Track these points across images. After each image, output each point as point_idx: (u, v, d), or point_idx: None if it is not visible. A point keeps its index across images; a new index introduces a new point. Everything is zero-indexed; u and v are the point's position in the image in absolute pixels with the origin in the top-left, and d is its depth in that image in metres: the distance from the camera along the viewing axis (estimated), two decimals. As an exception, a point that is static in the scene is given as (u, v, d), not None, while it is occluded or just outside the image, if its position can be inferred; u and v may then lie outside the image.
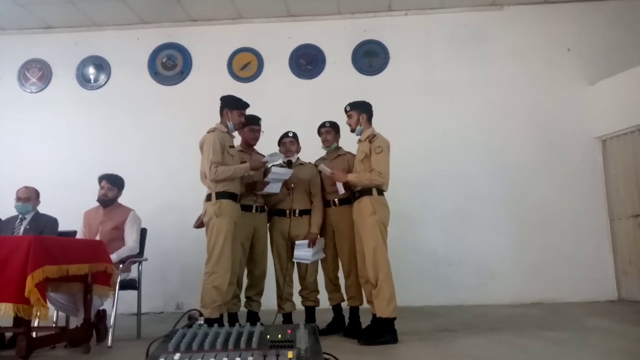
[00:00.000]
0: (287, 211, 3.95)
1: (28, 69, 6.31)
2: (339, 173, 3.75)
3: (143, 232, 4.24)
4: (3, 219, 4.22)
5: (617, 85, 5.45)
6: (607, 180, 5.61)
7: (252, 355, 1.86)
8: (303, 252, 3.86)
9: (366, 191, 3.63)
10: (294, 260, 3.94)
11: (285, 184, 3.91)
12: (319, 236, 3.92)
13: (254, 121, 4.03)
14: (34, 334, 3.14)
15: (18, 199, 4.08)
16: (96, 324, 3.72)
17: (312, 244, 3.85)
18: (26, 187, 4.16)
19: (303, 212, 3.96)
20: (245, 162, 3.77)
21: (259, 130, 4.07)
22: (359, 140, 3.82)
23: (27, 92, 6.27)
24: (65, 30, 6.32)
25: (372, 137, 3.69)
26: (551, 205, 5.60)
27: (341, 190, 3.78)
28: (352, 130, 3.85)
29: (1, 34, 6.35)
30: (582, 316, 4.43)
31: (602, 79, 5.65)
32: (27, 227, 4.04)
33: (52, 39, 6.33)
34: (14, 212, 4.14)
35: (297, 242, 3.88)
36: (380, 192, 3.66)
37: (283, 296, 3.93)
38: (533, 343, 3.31)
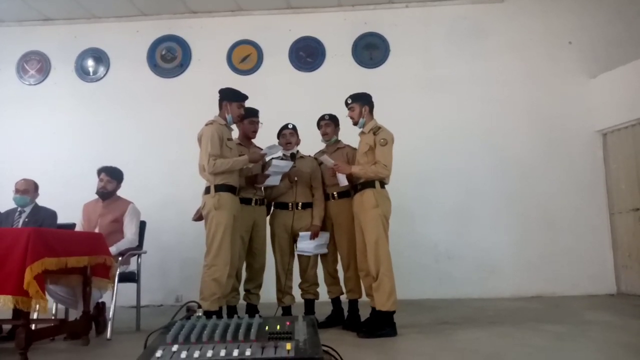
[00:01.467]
0: (290, 204, 3.93)
1: (27, 62, 6.29)
2: (343, 164, 3.70)
3: (142, 225, 4.23)
4: (2, 211, 4.21)
5: (618, 78, 5.43)
6: (607, 174, 5.60)
7: (250, 347, 1.86)
8: (305, 245, 3.85)
9: (369, 184, 3.60)
10: (297, 252, 3.93)
11: (289, 177, 3.89)
12: (325, 231, 3.92)
13: (253, 114, 4.01)
14: (33, 327, 3.14)
15: (16, 191, 4.07)
16: (95, 317, 3.72)
17: (314, 236, 3.83)
18: (25, 180, 4.14)
19: (306, 205, 3.95)
20: (243, 154, 3.75)
21: (257, 123, 4.05)
22: (362, 133, 3.78)
23: (25, 84, 6.25)
24: (64, 22, 6.29)
25: (377, 130, 3.66)
26: (551, 199, 5.59)
27: (343, 182, 3.72)
28: (355, 123, 3.80)
29: (0, 26, 6.32)
30: (581, 310, 4.43)
31: (603, 72, 5.62)
32: (26, 219, 4.03)
33: (51, 31, 6.31)
34: (12, 206, 4.12)
35: (301, 233, 3.86)
36: (383, 184, 3.64)
37: (283, 290, 3.93)
38: (533, 336, 3.31)
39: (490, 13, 6.01)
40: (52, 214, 4.12)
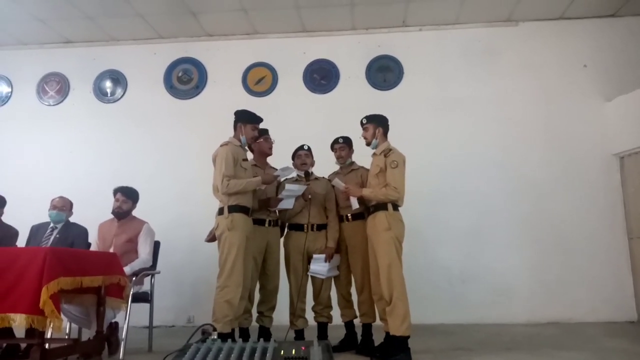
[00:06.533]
0: (305, 225, 3.92)
1: (47, 83, 6.42)
2: (354, 187, 3.71)
3: (156, 245, 4.25)
4: (34, 225, 4.24)
5: (634, 101, 5.38)
6: (625, 198, 5.51)
7: (266, 372, 1.84)
8: (319, 267, 3.82)
9: (381, 206, 3.58)
10: (309, 273, 3.90)
11: (303, 195, 3.88)
12: (336, 253, 3.89)
13: (264, 132, 4.04)
14: (47, 346, 3.14)
15: (53, 207, 4.13)
16: (108, 337, 3.71)
17: (328, 258, 3.81)
18: (61, 197, 4.22)
19: (320, 227, 3.94)
20: (258, 175, 3.77)
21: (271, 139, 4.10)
22: (374, 154, 3.79)
23: (45, 105, 6.37)
24: (84, 44, 6.43)
25: (388, 152, 3.66)
26: (568, 223, 5.51)
27: (355, 205, 3.73)
28: (368, 144, 3.81)
29: (22, 48, 6.48)
30: (599, 337, 4.34)
31: (619, 95, 5.59)
32: (57, 235, 4.08)
33: (71, 53, 6.45)
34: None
35: (315, 255, 3.85)
36: (396, 207, 3.61)
37: (296, 312, 3.90)
38: (550, 364, 3.24)
39: (505, 36, 6.02)
40: (84, 232, 4.19)
